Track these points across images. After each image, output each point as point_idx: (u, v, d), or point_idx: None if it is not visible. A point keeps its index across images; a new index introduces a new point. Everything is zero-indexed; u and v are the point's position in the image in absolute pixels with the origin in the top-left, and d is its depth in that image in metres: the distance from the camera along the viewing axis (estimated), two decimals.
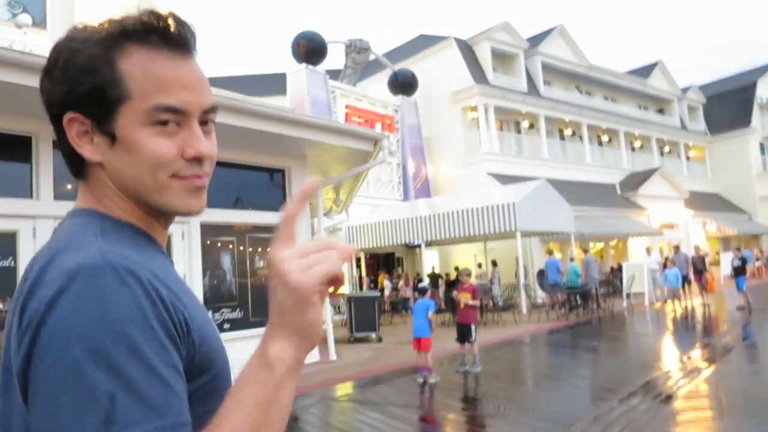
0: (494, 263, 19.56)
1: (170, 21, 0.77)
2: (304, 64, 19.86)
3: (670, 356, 9.13)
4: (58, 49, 0.77)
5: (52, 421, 0.60)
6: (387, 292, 19.06)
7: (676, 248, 17.58)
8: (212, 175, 0.83)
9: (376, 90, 23.91)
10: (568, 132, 28.12)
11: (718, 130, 35.38)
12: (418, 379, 7.67)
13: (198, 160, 0.78)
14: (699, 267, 16.29)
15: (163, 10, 0.78)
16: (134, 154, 0.75)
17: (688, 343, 10.18)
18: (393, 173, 22.62)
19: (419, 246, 20.98)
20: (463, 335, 8.68)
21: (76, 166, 0.81)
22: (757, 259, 30.83)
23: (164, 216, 0.83)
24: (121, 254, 0.69)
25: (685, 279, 16.16)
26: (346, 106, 20.94)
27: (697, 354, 8.88)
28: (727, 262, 27.48)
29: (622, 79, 31.33)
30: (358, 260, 20.37)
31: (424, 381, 7.59)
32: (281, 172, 9.28)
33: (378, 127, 21.96)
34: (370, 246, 19.00)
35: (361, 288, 19.97)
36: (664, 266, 17.14)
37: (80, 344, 0.61)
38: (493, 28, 25.11)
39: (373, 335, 11.83)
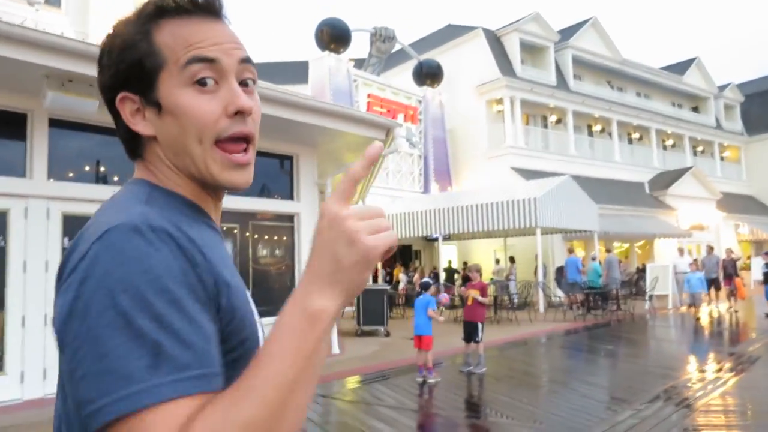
0: (512, 260, 19.13)
1: None
2: (326, 52, 19.58)
3: (688, 365, 8.65)
4: (104, 42, 0.83)
5: (100, 365, 0.61)
6: (402, 285, 18.77)
7: (710, 249, 16.79)
8: None
9: (401, 81, 23.51)
10: (597, 128, 27.36)
11: (756, 130, 34.09)
12: (417, 378, 7.36)
13: (240, 114, 0.80)
14: (729, 271, 15.63)
15: None
16: (179, 117, 0.78)
17: (709, 351, 9.67)
18: (414, 165, 22.26)
19: (437, 239, 20.70)
20: (469, 334, 8.34)
21: (133, 146, 0.85)
22: None
23: (212, 188, 0.85)
24: (160, 216, 0.71)
25: (715, 282, 15.47)
26: (368, 95, 20.61)
27: (718, 363, 8.39)
28: (758, 266, 26.60)
29: (656, 75, 30.34)
30: None
31: (424, 381, 7.28)
32: (290, 159, 9.01)
33: (400, 117, 21.62)
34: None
35: (375, 280, 19.71)
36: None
37: (125, 293, 0.63)
38: (522, 19, 24.46)
39: (381, 329, 11.55)
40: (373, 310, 11.44)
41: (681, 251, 17.94)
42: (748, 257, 28.26)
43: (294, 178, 8.99)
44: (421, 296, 7.56)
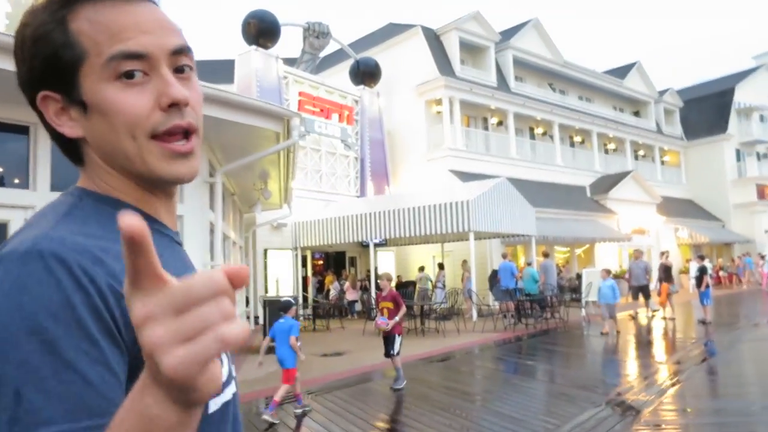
0: (441, 266, 18.35)
1: None
2: (254, 46, 18.42)
3: (617, 377, 7.92)
4: (16, 32, 0.73)
5: None
6: (333, 294, 17.74)
7: (637, 254, 15.42)
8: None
9: (338, 81, 22.51)
10: (539, 131, 27.01)
11: (695, 135, 34.54)
12: (295, 410, 6.35)
13: (176, 106, 0.71)
14: (661, 276, 14.81)
15: None
16: (106, 114, 0.70)
17: (639, 363, 8.99)
18: (350, 167, 21.30)
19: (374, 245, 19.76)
20: (387, 348, 7.50)
21: (70, 151, 0.77)
22: (721, 269, 30.08)
23: (157, 186, 0.77)
24: (61, 239, 0.63)
25: (643, 290, 14.65)
26: (300, 93, 19.55)
27: (645, 376, 7.69)
28: (695, 270, 26.71)
29: (598, 79, 30.28)
30: (304, 259, 18.98)
31: (303, 413, 6.27)
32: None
33: (335, 117, 20.69)
34: (319, 244, 17.68)
35: (305, 290, 18.62)
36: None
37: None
38: (462, 18, 23.83)
39: None
40: None
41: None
42: (688, 261, 28.38)
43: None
44: (282, 320, 6.16)
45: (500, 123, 25.15)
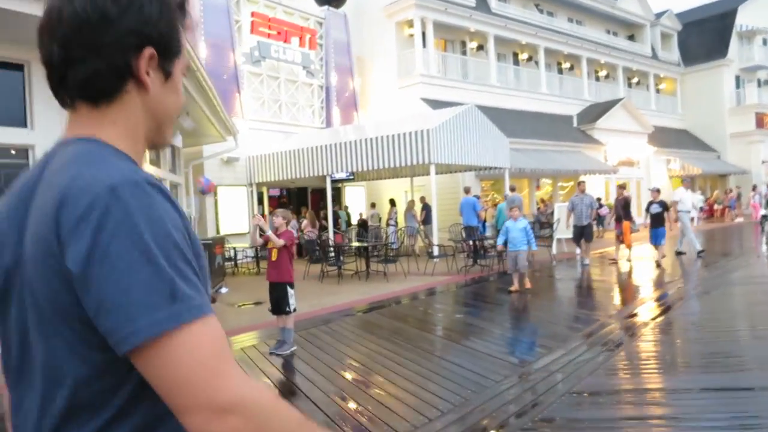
0: (392, 203, 17.03)
1: (187, 4, 0.96)
2: None
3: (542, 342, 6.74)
4: None
5: (124, 298, 0.72)
6: None
7: (581, 186, 12.76)
8: None
9: (305, 5, 20.50)
10: (523, 56, 25.14)
11: (693, 61, 32.46)
12: None
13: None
14: (620, 213, 12.73)
15: None
16: (176, 94, 0.96)
17: (583, 318, 7.83)
18: (314, 96, 19.65)
19: (341, 180, 18.42)
20: (278, 301, 6.20)
21: (107, 88, 0.88)
22: (715, 202, 28.82)
23: (153, 148, 1.00)
24: (148, 174, 0.82)
25: (585, 231, 12.21)
26: (252, 14, 17.68)
27: (587, 334, 6.51)
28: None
29: None
30: (261, 196, 17.66)
31: None
32: (19, 68, 6.39)
33: (295, 41, 18.87)
34: (278, 179, 16.31)
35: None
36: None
37: (141, 239, 0.74)
38: None
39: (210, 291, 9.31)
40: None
41: (687, 185, 14.07)
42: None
43: (26, 95, 6.39)
44: None
45: (480, 47, 23.26)
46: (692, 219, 13.12)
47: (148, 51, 0.87)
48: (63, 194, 0.76)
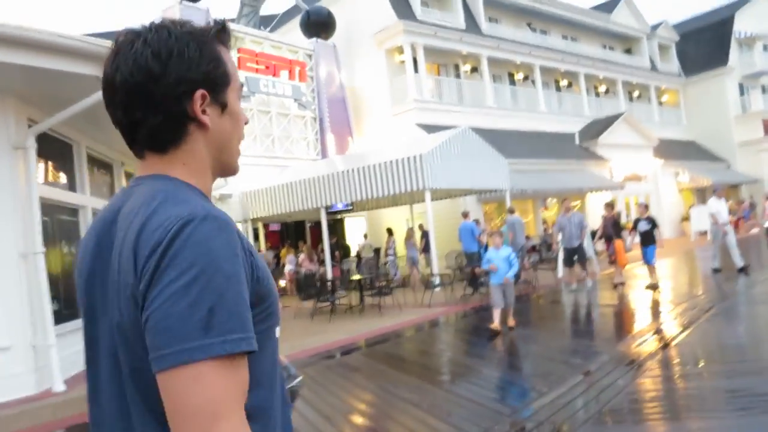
0: (389, 232, 16.44)
1: (228, 26, 1.04)
2: None
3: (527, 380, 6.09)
4: (177, 38, 0.96)
5: (165, 322, 0.79)
6: (288, 269, 15.99)
7: (567, 206, 12.06)
8: None
9: (294, 39, 20.31)
10: (519, 76, 24.75)
11: (693, 70, 31.91)
12: None
13: (246, 123, 1.08)
14: (609, 231, 11.79)
15: (221, 18, 1.06)
16: (236, 118, 1.03)
17: (583, 350, 7.16)
18: (308, 128, 19.31)
19: (340, 211, 17.94)
20: None
21: (171, 137, 0.97)
22: (730, 213, 27.92)
23: (222, 175, 1.06)
24: (219, 210, 0.89)
25: (578, 253, 11.40)
26: (239, 50, 17.46)
27: (579, 374, 5.86)
28: (698, 217, 24.62)
29: (582, 15, 27.69)
30: (256, 232, 17.19)
31: None
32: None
33: (284, 75, 18.62)
34: (274, 213, 15.84)
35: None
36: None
37: (194, 269, 0.79)
38: None
39: None
40: None
41: (720, 195, 12.43)
42: (690, 206, 26.31)
43: None
44: None
45: (474, 69, 22.91)
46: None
47: (199, 93, 0.95)
48: (140, 230, 0.85)
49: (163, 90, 0.92)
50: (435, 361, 6.89)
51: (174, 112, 0.94)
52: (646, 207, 11.51)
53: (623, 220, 18.77)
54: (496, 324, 7.78)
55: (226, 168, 1.04)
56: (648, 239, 10.82)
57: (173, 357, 0.76)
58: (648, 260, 10.82)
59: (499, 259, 7.99)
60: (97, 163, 8.81)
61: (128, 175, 9.54)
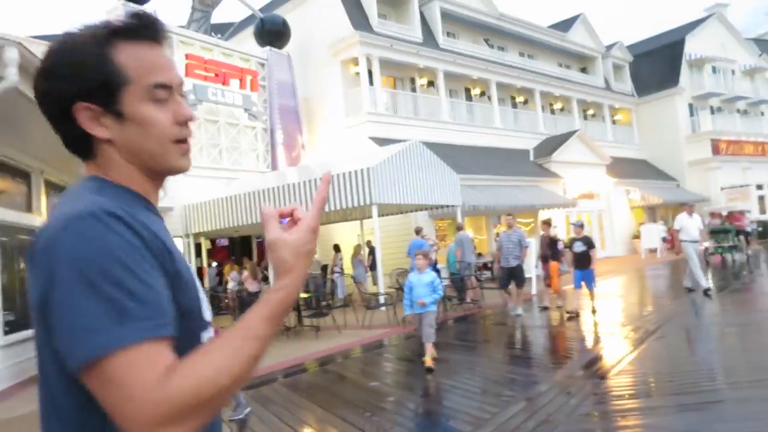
0: (336, 248, 16.04)
1: (148, 19, 0.96)
2: (122, 0, 15.67)
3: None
4: (56, 52, 0.93)
5: (76, 322, 0.76)
6: (231, 286, 15.34)
7: (509, 221, 11.37)
8: None
9: (250, 48, 19.79)
10: (476, 91, 24.76)
11: (646, 91, 32.60)
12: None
13: (186, 123, 0.99)
14: (546, 253, 11.09)
15: (141, 10, 0.96)
16: (143, 125, 0.94)
17: (520, 375, 6.86)
18: (257, 140, 18.76)
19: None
20: None
21: (83, 149, 0.96)
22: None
23: (161, 177, 1.01)
24: (110, 204, 0.84)
25: (515, 274, 10.60)
26: (187, 56, 16.86)
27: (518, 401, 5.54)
28: (648, 235, 24.94)
29: (539, 33, 28.01)
30: (198, 247, 16.52)
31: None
32: None
33: (234, 83, 18.07)
34: (219, 227, 15.22)
35: (201, 283, 16.19)
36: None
37: (89, 267, 0.77)
38: None
39: None
40: None
41: (690, 211, 11.66)
42: (641, 224, 26.68)
43: None
44: None
45: (431, 84, 22.79)
46: (705, 249, 10.96)
47: (80, 106, 0.91)
48: (40, 230, 0.84)
49: (49, 109, 0.93)
50: (359, 394, 6.41)
51: (67, 129, 0.93)
52: (581, 226, 10.59)
53: (564, 238, 18.77)
54: (428, 360, 6.76)
55: (160, 170, 0.99)
56: (582, 261, 10.06)
57: (90, 351, 0.75)
58: (586, 285, 10.06)
59: (421, 285, 6.92)
60: (11, 171, 8.16)
61: (48, 184, 8.89)
